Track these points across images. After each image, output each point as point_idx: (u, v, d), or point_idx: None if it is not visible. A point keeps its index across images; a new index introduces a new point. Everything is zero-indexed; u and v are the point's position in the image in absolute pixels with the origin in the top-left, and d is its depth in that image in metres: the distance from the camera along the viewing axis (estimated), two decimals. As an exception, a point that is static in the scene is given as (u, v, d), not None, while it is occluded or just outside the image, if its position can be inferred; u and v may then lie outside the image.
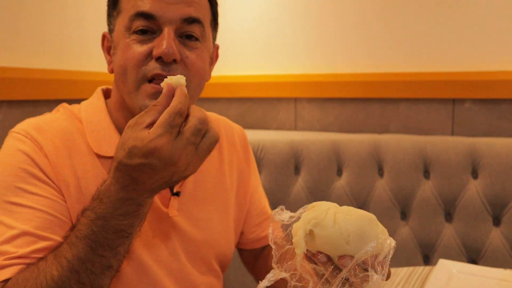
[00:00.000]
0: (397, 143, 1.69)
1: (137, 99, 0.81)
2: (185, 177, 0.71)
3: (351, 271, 0.61)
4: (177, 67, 0.81)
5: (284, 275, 0.66)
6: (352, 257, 0.62)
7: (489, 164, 1.57)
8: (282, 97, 2.06)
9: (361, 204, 1.68)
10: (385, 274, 0.61)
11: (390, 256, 0.62)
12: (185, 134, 0.65)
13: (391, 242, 0.63)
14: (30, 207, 0.77)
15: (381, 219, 1.82)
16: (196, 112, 0.68)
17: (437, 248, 1.60)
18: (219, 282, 1.02)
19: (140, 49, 0.80)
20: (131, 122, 0.68)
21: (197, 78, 0.85)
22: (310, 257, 0.66)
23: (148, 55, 0.81)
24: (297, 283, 0.66)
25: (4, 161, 0.81)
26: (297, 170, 1.72)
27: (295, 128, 2.07)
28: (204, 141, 0.68)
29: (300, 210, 0.67)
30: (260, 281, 0.67)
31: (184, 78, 0.71)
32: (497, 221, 1.56)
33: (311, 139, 1.75)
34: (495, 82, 1.69)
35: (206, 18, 0.87)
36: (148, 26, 0.81)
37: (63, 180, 0.81)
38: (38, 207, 0.77)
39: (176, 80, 0.70)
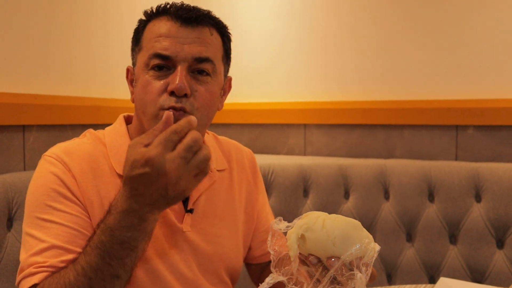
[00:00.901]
0: (402, 167, 1.76)
1: (155, 125, 0.91)
2: (182, 194, 0.76)
3: (338, 271, 0.68)
4: (187, 99, 0.91)
5: (281, 278, 0.73)
6: (339, 258, 0.69)
7: (492, 188, 1.62)
8: (292, 123, 2.16)
9: (368, 226, 1.73)
10: (369, 274, 0.68)
11: (374, 258, 0.69)
12: (177, 149, 0.73)
13: (375, 246, 0.70)
14: (58, 223, 0.87)
15: (387, 241, 1.86)
16: (192, 132, 0.75)
17: (442, 269, 1.64)
18: None
19: (157, 84, 0.92)
20: (132, 142, 0.76)
21: (206, 108, 0.95)
22: (303, 260, 0.73)
23: (164, 89, 0.91)
24: (293, 286, 0.73)
25: (37, 181, 0.92)
26: (305, 193, 1.79)
27: (304, 153, 2.15)
28: (195, 158, 0.74)
29: (295, 220, 0.75)
30: (260, 284, 0.74)
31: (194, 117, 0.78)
32: (500, 244, 1.60)
33: (319, 163, 1.83)
34: (497, 109, 1.76)
35: (217, 56, 0.97)
36: (164, 64, 0.92)
37: (88, 199, 0.91)
38: (65, 223, 0.87)
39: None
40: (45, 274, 0.82)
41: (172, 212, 0.97)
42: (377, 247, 0.70)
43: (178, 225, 0.98)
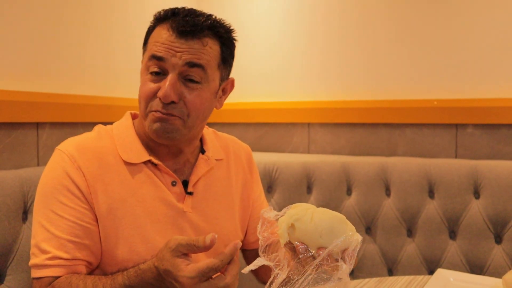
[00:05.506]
0: (404, 165, 1.80)
1: (146, 123, 1.03)
2: None
3: (324, 260, 0.74)
4: (175, 106, 1.00)
5: (267, 263, 0.80)
6: (325, 248, 0.75)
7: (490, 185, 1.66)
8: (296, 122, 2.21)
9: (369, 221, 1.78)
10: (353, 264, 0.74)
11: (357, 249, 0.75)
12: (207, 285, 0.83)
13: (358, 238, 0.76)
14: (60, 215, 0.97)
15: (388, 236, 1.91)
16: (229, 275, 0.85)
17: (442, 264, 1.68)
18: None
19: (151, 86, 1.01)
20: (172, 245, 0.86)
21: (195, 113, 1.03)
22: (291, 248, 0.79)
23: (156, 92, 1.01)
24: (279, 271, 0.79)
25: (48, 174, 1.02)
26: (309, 189, 1.84)
27: (308, 151, 2.19)
28: None
29: (284, 209, 0.82)
30: (247, 265, 0.81)
31: (240, 244, 0.87)
32: (498, 239, 1.64)
33: (322, 160, 1.88)
34: (496, 108, 1.80)
35: (211, 63, 1.03)
36: (159, 68, 1.01)
37: (93, 186, 1.00)
38: (66, 216, 0.97)
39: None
40: (52, 269, 0.95)
41: (173, 195, 1.05)
42: (360, 238, 0.76)
43: (179, 205, 1.06)
